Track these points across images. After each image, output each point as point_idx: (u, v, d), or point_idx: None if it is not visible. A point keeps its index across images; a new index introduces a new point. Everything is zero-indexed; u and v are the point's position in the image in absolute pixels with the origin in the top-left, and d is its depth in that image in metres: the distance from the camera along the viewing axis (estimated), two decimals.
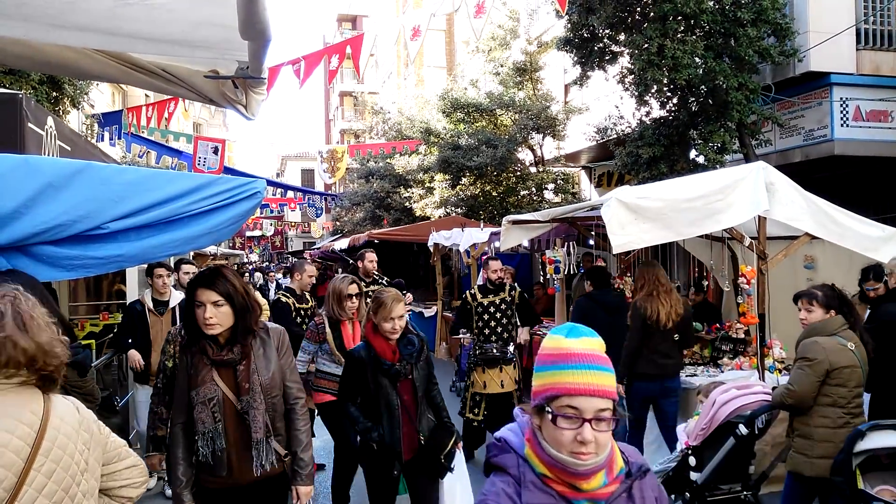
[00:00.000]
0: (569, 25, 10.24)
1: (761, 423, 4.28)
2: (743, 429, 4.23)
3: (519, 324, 6.90)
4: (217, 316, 2.89)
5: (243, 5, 2.34)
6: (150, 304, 5.80)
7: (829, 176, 9.80)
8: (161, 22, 3.05)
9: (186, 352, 3.04)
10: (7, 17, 3.22)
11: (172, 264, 6.46)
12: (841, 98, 9.59)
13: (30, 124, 3.62)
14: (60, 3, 2.93)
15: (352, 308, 5.03)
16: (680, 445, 4.68)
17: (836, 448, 3.63)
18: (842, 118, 9.59)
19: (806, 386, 3.89)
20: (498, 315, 6.77)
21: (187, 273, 6.10)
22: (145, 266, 6.09)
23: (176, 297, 5.91)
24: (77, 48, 3.86)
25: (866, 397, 4.91)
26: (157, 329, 5.73)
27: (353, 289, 5.05)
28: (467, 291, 7.09)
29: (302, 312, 6.79)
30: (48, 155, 3.75)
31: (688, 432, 4.59)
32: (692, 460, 4.47)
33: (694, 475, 4.45)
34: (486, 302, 6.79)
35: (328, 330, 5.02)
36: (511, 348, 6.72)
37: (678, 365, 5.71)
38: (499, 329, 6.74)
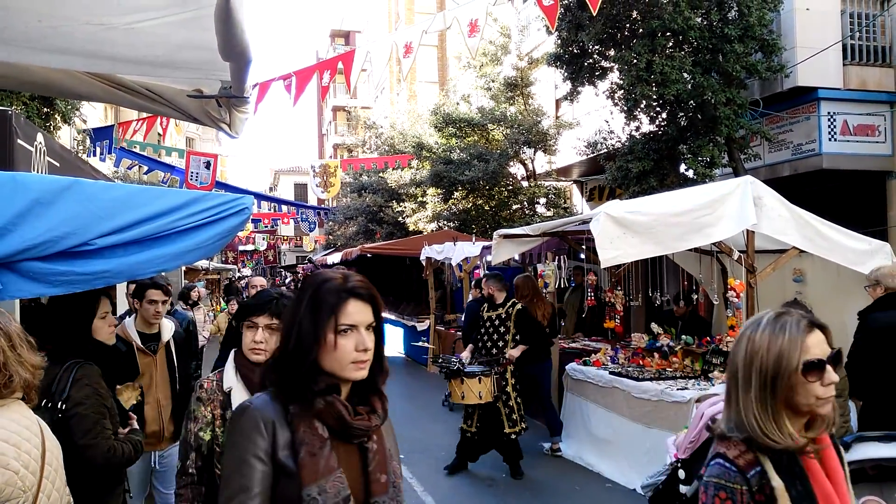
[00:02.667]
0: (559, 42, 10.31)
1: None
2: None
3: (519, 339, 6.88)
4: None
5: (222, 29, 2.37)
6: (138, 340, 4.10)
7: (817, 190, 9.86)
8: (143, 45, 3.07)
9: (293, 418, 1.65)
10: None
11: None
12: (828, 112, 9.67)
13: (19, 140, 3.62)
14: (42, 27, 2.95)
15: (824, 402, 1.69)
16: (669, 458, 4.68)
17: None
18: (829, 132, 9.67)
19: None
20: (491, 330, 6.87)
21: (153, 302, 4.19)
22: (132, 288, 4.70)
23: (168, 327, 4.28)
24: (61, 69, 3.88)
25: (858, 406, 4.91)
26: (149, 373, 4.09)
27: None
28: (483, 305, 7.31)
29: None
30: (37, 171, 3.74)
31: (677, 445, 4.59)
32: (681, 473, 4.45)
33: (683, 488, 4.44)
34: (485, 316, 6.99)
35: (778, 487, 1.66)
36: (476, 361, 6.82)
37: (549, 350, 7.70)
38: (489, 343, 6.83)
